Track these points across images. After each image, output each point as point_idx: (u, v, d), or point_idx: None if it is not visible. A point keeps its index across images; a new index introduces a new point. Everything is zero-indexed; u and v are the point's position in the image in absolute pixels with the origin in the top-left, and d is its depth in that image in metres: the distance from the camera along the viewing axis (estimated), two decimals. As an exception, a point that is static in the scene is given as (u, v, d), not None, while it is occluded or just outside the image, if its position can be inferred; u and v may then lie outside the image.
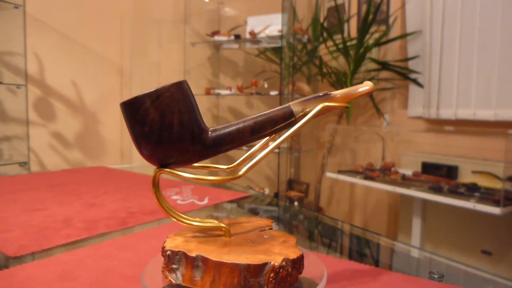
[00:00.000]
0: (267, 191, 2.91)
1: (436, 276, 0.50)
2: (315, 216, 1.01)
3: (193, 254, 0.34)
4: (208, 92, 2.83)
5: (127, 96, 2.90)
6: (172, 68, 2.91)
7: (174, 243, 0.38)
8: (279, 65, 2.58)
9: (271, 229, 0.39)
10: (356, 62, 2.54)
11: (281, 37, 2.52)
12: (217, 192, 1.01)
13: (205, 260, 0.33)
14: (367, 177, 2.28)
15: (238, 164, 0.39)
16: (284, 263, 0.30)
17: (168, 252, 0.36)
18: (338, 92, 0.35)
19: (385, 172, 2.36)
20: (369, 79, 2.60)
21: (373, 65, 2.64)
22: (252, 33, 2.64)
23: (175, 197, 0.90)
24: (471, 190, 1.90)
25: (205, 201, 0.88)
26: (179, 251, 0.35)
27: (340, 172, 2.54)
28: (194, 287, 0.33)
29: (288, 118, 0.34)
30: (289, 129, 0.35)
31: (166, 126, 0.34)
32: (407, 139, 2.60)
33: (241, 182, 3.07)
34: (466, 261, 2.24)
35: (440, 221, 2.31)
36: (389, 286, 0.48)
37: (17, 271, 0.52)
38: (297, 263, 0.31)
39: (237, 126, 0.36)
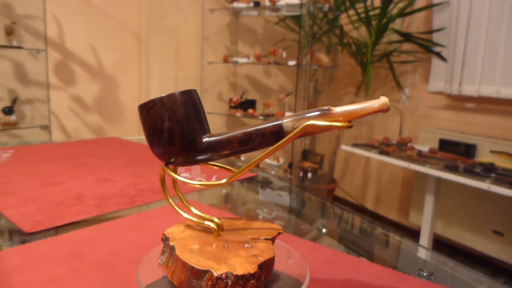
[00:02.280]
0: (281, 161, 2.93)
1: (425, 274, 0.51)
2: (320, 201, 1.02)
3: (171, 243, 0.38)
4: (226, 60, 2.81)
5: (144, 62, 2.91)
6: (190, 34, 2.88)
7: (173, 229, 0.42)
8: (298, 34, 2.52)
9: (280, 233, 0.39)
10: (378, 33, 2.46)
11: (301, 5, 2.45)
12: (225, 171, 1.03)
13: (173, 250, 0.36)
14: (382, 152, 2.27)
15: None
16: (224, 275, 0.31)
17: (163, 236, 0.40)
18: (339, 109, 0.32)
19: (401, 148, 2.34)
20: (391, 51, 2.52)
21: (395, 37, 2.55)
22: (271, 0, 2.57)
23: (184, 175, 0.93)
24: (488, 171, 1.87)
25: (213, 180, 0.91)
26: (168, 237, 0.39)
27: (355, 145, 2.52)
28: (166, 270, 0.37)
29: (277, 134, 0.34)
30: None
31: (158, 132, 0.37)
32: (426, 115, 2.55)
33: (256, 152, 3.10)
34: (477, 240, 2.24)
35: (454, 199, 2.30)
36: (374, 279, 0.49)
37: (32, 247, 0.56)
38: (246, 279, 0.31)
39: (228, 135, 0.37)
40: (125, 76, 2.72)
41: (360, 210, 3.06)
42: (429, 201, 2.16)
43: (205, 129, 0.39)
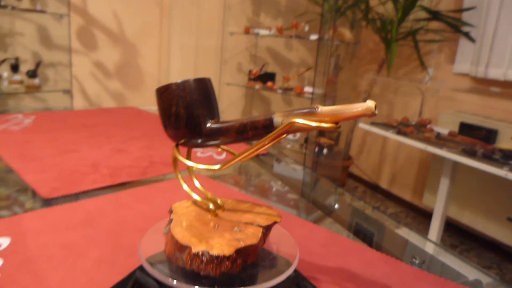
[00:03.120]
0: (298, 135, 2.93)
1: (417, 262, 0.53)
2: (328, 182, 1.03)
3: (171, 217, 0.41)
4: (247, 31, 2.78)
5: (166, 30, 2.90)
6: (213, 3, 2.85)
7: (180, 204, 0.45)
8: (322, 8, 2.46)
9: (276, 222, 0.40)
10: (405, 9, 2.37)
11: (327, -23, 2.38)
12: (237, 147, 1.05)
13: (170, 223, 0.39)
14: (400, 132, 2.24)
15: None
16: (200, 253, 0.33)
17: (170, 209, 0.44)
18: (326, 109, 0.32)
19: (420, 129, 2.31)
20: (417, 29, 2.44)
21: (423, 14, 2.46)
22: (297, -29, 2.50)
23: (195, 150, 0.96)
24: (507, 157, 1.84)
25: (223, 156, 0.93)
26: (172, 210, 0.43)
27: (373, 124, 2.50)
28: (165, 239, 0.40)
29: (268, 127, 0.35)
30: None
31: (167, 115, 0.39)
32: (449, 97, 2.49)
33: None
34: (489, 226, 2.23)
35: (469, 183, 2.28)
36: (365, 263, 0.51)
37: (48, 212, 0.60)
38: (220, 260, 0.33)
39: (227, 124, 0.38)
40: (146, 44, 2.74)
41: (374, 188, 3.07)
42: (444, 184, 2.14)
43: (212, 116, 0.40)
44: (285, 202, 0.81)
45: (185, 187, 0.44)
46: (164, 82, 2.62)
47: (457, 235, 2.43)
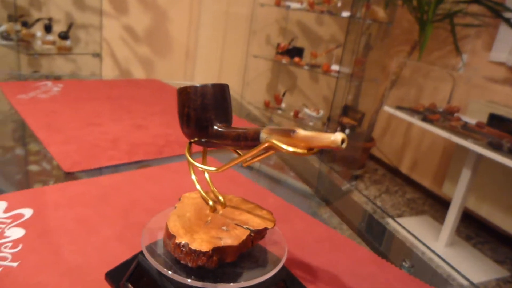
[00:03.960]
0: (321, 113, 2.92)
1: (406, 265, 0.55)
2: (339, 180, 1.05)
3: (175, 205, 0.45)
4: (278, 3, 2.73)
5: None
6: (245, -28, 2.80)
7: (190, 195, 0.48)
8: (357, -16, 2.38)
9: (267, 228, 0.41)
10: (444, -9, 2.27)
11: (365, -49, 2.28)
12: (254, 125, 1.07)
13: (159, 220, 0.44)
14: (425, 119, 2.19)
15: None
16: (182, 244, 0.37)
17: (180, 198, 0.48)
18: (301, 134, 0.32)
19: (447, 117, 2.25)
20: (455, 12, 2.34)
21: (463, -4, 2.34)
22: None
23: (212, 129, 0.99)
24: (533, 154, 1.78)
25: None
26: (180, 199, 0.47)
27: (398, 108, 2.46)
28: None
29: (255, 140, 0.36)
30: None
31: (181, 114, 0.42)
32: (481, 85, 2.40)
33: (297, 101, 3.08)
34: (508, 221, 2.20)
35: (492, 176, 2.24)
36: (355, 262, 0.54)
37: (68, 186, 0.65)
38: (197, 254, 0.36)
39: (228, 130, 0.40)
40: (176, 9, 2.74)
41: (393, 172, 3.05)
42: (465, 175, 2.11)
43: (222, 119, 0.42)
44: (292, 190, 0.84)
45: (194, 178, 0.46)
46: (192, 51, 2.64)
47: (474, 227, 2.42)
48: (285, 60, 2.79)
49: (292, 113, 2.91)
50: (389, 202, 2.74)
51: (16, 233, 0.51)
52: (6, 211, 0.56)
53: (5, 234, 0.51)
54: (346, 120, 2.87)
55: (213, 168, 0.42)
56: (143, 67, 2.75)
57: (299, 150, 0.32)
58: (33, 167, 0.73)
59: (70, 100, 1.07)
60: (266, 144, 0.34)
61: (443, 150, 2.66)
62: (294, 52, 2.80)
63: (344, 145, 0.30)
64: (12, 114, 0.94)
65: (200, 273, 0.38)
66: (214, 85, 0.42)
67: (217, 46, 2.92)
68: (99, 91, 1.21)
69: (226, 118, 0.43)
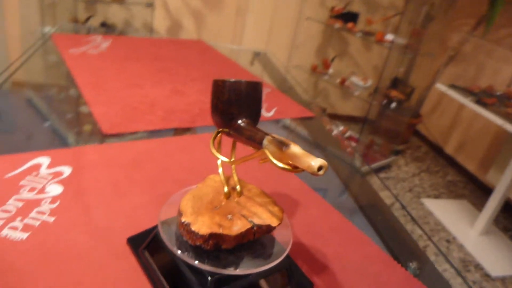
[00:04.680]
0: (369, 82, 2.82)
1: (412, 267, 0.56)
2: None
3: (197, 185, 0.49)
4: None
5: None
6: None
7: (214, 176, 0.50)
8: None
9: (270, 226, 0.43)
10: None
11: None
12: (288, 106, 1.07)
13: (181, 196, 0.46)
14: (479, 101, 2.07)
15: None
16: (185, 222, 0.41)
17: (206, 178, 0.51)
18: (291, 150, 0.33)
19: (504, 102, 2.11)
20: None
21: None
22: None
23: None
24: None
25: (272, 113, 0.97)
26: (205, 179, 0.50)
27: (452, 86, 2.33)
28: None
29: (260, 144, 0.38)
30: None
31: (211, 104, 0.45)
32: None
33: (345, 69, 2.98)
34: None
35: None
36: (363, 257, 0.55)
37: (105, 149, 0.70)
38: (195, 235, 0.40)
39: (246, 128, 0.42)
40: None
41: (437, 151, 2.94)
42: (512, 166, 2.01)
43: (247, 115, 0.44)
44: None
45: (219, 162, 0.47)
46: (242, 8, 2.59)
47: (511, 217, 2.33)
48: (338, 24, 2.68)
49: (338, 80, 2.83)
50: (428, 182, 2.67)
51: (55, 190, 0.57)
52: (49, 167, 0.62)
53: (46, 190, 0.57)
54: (394, 93, 2.76)
55: (226, 159, 0.44)
56: (193, 20, 2.75)
57: (286, 167, 0.34)
58: (76, 126, 0.79)
59: (117, 59, 1.12)
60: (261, 152, 0.36)
61: (494, 136, 2.52)
62: (349, 16, 2.68)
63: (321, 172, 0.31)
64: (62, 69, 1.00)
65: (203, 254, 0.41)
66: (247, 82, 0.43)
67: (269, 5, 2.85)
68: (145, 50, 1.24)
69: (250, 115, 0.44)
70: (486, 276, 1.83)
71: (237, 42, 2.85)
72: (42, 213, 0.52)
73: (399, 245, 0.64)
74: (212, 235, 0.40)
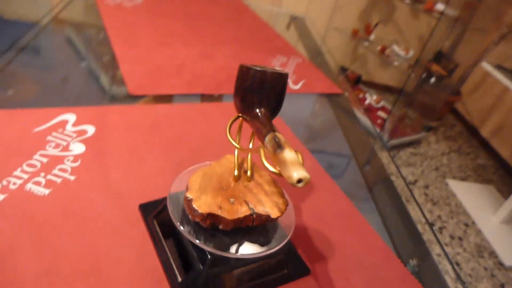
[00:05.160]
0: (411, 53, 2.69)
1: (412, 264, 0.57)
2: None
3: (211, 162, 0.50)
4: None
5: None
6: None
7: (230, 157, 0.50)
8: None
9: (271, 217, 0.44)
10: None
11: None
12: (317, 79, 1.05)
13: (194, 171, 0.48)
14: (525, 87, 1.95)
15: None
16: (189, 198, 0.42)
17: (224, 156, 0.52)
18: (282, 155, 0.33)
19: (553, 89, 1.98)
20: None
21: None
22: None
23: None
24: None
25: (298, 86, 0.95)
26: (222, 157, 0.51)
27: (498, 67, 2.20)
28: None
29: (263, 139, 0.38)
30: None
31: (234, 88, 0.45)
32: None
33: (388, 36, 2.84)
34: None
35: None
36: (363, 247, 0.56)
37: (128, 109, 0.72)
38: (195, 212, 0.41)
39: (260, 119, 0.42)
40: None
41: (472, 132, 2.84)
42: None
43: (265, 105, 0.43)
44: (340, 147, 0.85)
45: (235, 144, 0.48)
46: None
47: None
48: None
49: (379, 48, 2.72)
50: (457, 163, 2.61)
51: (78, 148, 0.60)
52: (74, 124, 0.65)
53: (70, 148, 0.60)
54: (435, 67, 2.63)
55: (237, 145, 0.44)
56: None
57: (274, 170, 0.34)
58: (103, 84, 0.81)
59: (149, 14, 1.11)
60: (257, 149, 0.37)
61: (536, 124, 2.39)
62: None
63: (300, 185, 0.31)
64: (97, 21, 1.01)
65: (205, 232, 0.43)
66: (272, 73, 0.42)
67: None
68: (179, 5, 1.23)
69: (269, 106, 0.43)
70: (500, 264, 1.82)
71: (276, 4, 2.75)
72: (64, 170, 0.56)
73: (403, 238, 0.64)
74: (210, 215, 0.42)
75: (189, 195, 0.43)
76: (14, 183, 0.51)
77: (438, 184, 2.35)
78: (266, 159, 0.36)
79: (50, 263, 0.43)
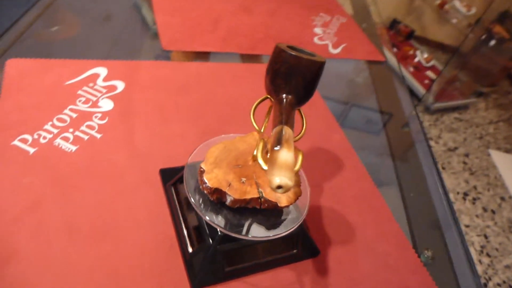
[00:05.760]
0: (473, 11, 2.47)
1: (426, 255, 0.56)
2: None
3: (237, 135, 0.50)
4: None
5: None
6: None
7: (254, 135, 0.50)
8: None
9: (277, 204, 0.43)
10: None
11: None
12: (359, 44, 0.98)
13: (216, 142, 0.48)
14: None
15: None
16: (201, 170, 0.43)
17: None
18: (275, 154, 0.31)
19: None
20: None
21: None
22: None
23: (317, 30, 0.93)
24: None
25: (338, 50, 0.90)
26: (249, 132, 0.51)
27: None
28: None
29: (272, 129, 0.36)
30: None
31: (267, 67, 0.42)
32: None
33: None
34: None
35: None
36: (378, 233, 0.56)
37: (159, 65, 0.72)
38: (205, 185, 0.42)
39: (281, 106, 0.39)
40: None
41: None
42: None
43: (292, 92, 0.40)
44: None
45: (256, 126, 0.44)
46: None
47: None
48: None
49: (438, 2, 2.51)
50: (504, 133, 2.47)
51: (107, 105, 0.61)
52: (105, 79, 0.65)
53: (99, 104, 0.61)
54: (498, 29, 2.40)
55: (257, 128, 0.43)
56: None
57: (265, 168, 0.32)
58: (136, 37, 0.80)
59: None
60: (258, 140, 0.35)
61: None
62: None
63: (279, 191, 0.29)
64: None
65: (216, 207, 0.44)
66: (307, 61, 0.39)
67: None
68: None
69: (298, 94, 0.41)
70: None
71: None
72: (92, 127, 0.57)
73: (422, 227, 0.63)
74: (217, 190, 0.42)
75: (203, 166, 0.44)
76: (44, 137, 0.54)
77: (479, 154, 2.25)
78: (263, 153, 0.35)
79: (71, 219, 0.46)
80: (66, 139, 0.54)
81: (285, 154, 0.31)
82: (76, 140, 0.55)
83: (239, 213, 0.44)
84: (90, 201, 0.49)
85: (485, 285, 1.62)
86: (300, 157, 0.34)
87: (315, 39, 0.90)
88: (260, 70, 0.79)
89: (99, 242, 0.45)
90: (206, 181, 0.42)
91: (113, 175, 0.52)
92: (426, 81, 2.53)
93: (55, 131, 0.55)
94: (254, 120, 0.43)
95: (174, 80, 0.70)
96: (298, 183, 0.46)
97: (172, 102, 0.65)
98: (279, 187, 0.29)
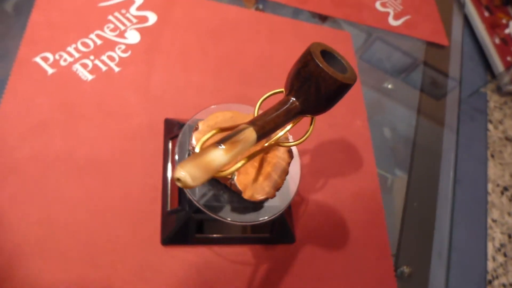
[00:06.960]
0: None
1: (402, 271, 0.54)
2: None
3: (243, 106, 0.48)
4: None
5: None
6: None
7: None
8: None
9: (262, 198, 0.42)
10: None
11: None
12: (425, 19, 0.87)
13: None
14: None
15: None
16: (195, 126, 0.42)
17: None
18: (209, 149, 0.28)
19: None
20: None
21: None
22: None
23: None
24: None
25: (398, 23, 0.80)
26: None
27: None
28: None
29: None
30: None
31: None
32: None
33: None
34: None
35: None
36: (363, 237, 0.55)
37: (195, 4, 0.68)
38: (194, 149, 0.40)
39: (275, 110, 0.37)
40: None
41: None
42: None
43: (300, 99, 0.37)
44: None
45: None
46: None
47: None
48: None
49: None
50: None
51: (133, 37, 0.60)
52: (138, 8, 0.64)
53: (125, 35, 0.60)
54: None
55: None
56: None
57: (196, 150, 0.30)
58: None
59: None
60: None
61: None
62: None
63: (177, 183, 0.26)
64: None
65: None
66: (332, 79, 0.35)
67: None
68: None
69: (307, 103, 0.37)
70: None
71: None
72: (112, 59, 0.57)
73: (411, 242, 0.61)
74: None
75: (200, 124, 0.43)
76: (65, 60, 0.55)
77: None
78: (211, 139, 0.32)
79: (70, 148, 0.49)
80: (85, 66, 0.55)
81: (216, 156, 0.27)
82: (94, 69, 0.55)
83: (221, 187, 0.44)
84: (92, 134, 0.50)
85: (490, 282, 1.60)
86: (237, 165, 0.32)
87: (377, 5, 0.81)
88: (302, 27, 0.73)
89: (90, 177, 0.48)
90: (193, 139, 0.42)
91: (120, 113, 0.53)
92: (509, 58, 2.27)
93: (77, 55, 0.56)
94: (260, 103, 0.41)
95: (208, 22, 0.67)
96: (276, 185, 0.44)
97: (199, 47, 0.63)
98: (178, 179, 0.26)
